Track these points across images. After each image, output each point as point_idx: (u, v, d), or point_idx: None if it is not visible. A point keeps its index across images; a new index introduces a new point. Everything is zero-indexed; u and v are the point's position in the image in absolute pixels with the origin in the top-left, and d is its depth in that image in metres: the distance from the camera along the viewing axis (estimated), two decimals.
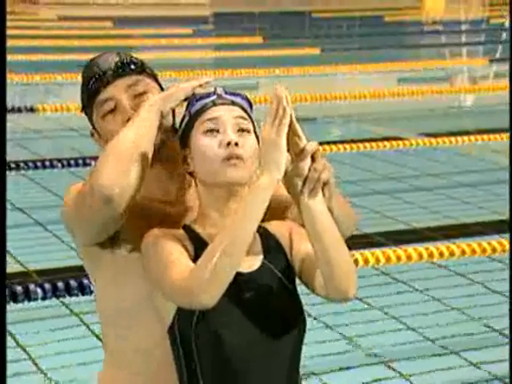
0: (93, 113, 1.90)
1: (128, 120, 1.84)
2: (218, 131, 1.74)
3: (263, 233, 1.80)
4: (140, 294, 1.82)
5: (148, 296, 1.78)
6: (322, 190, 1.71)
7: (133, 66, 1.90)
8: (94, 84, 1.88)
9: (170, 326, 1.73)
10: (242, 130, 1.76)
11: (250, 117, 1.80)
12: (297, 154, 1.69)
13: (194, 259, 1.68)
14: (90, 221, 1.76)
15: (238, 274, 1.68)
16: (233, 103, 1.78)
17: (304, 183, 1.69)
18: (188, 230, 1.77)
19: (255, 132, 1.80)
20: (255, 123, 1.82)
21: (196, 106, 1.78)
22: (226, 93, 1.79)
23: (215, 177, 1.73)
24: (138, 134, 1.77)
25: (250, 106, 1.82)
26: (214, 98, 1.77)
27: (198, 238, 1.75)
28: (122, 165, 1.73)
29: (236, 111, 1.77)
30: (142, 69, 1.92)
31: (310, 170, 1.69)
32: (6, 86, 2.48)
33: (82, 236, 1.84)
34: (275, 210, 1.84)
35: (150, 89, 1.91)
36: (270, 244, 1.79)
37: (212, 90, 1.80)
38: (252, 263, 1.76)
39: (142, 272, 1.77)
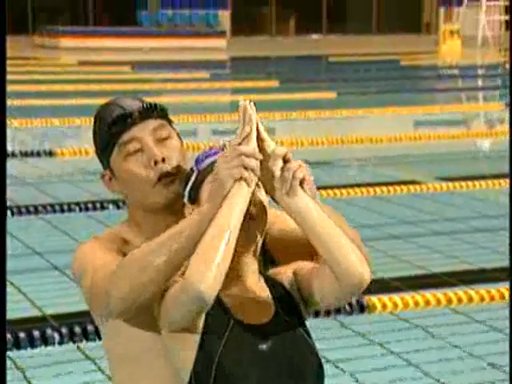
0: (112, 153, 1.91)
1: (155, 163, 1.85)
2: None
3: (271, 283, 1.80)
4: (145, 341, 1.83)
5: (154, 343, 1.79)
6: (302, 188, 1.70)
7: (158, 110, 1.92)
8: (118, 124, 1.89)
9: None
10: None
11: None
12: (266, 158, 1.71)
13: None
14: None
15: (253, 327, 1.68)
16: None
17: (281, 185, 1.70)
18: None
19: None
20: None
21: (205, 163, 1.79)
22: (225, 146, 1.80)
23: None
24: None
25: None
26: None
27: None
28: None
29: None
30: (165, 114, 1.94)
31: (283, 170, 1.69)
32: (5, 130, 2.52)
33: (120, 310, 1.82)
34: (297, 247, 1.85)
35: (173, 135, 1.94)
36: (279, 293, 1.79)
37: (221, 144, 1.81)
38: (265, 315, 1.76)
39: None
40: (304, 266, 1.80)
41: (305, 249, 1.84)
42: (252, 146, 1.67)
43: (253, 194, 1.73)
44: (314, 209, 1.69)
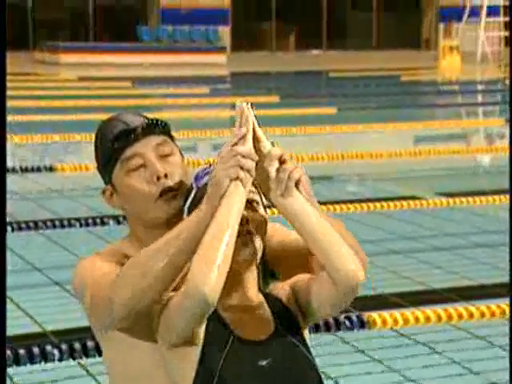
0: (114, 168, 1.91)
1: (158, 179, 1.86)
2: None
3: (270, 299, 1.80)
4: (148, 360, 1.82)
5: (154, 355, 1.79)
6: (298, 189, 1.70)
7: (161, 126, 1.93)
8: (121, 140, 1.89)
9: None
10: (249, 202, 1.77)
11: (256, 187, 1.81)
12: (262, 159, 1.71)
13: None
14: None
15: (252, 343, 1.68)
16: None
17: (276, 186, 1.71)
18: None
19: (262, 202, 1.82)
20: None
21: (204, 180, 1.80)
22: None
23: None
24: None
25: None
26: None
27: None
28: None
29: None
30: (168, 130, 1.95)
31: (278, 171, 1.69)
32: (5, 146, 2.53)
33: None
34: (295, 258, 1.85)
35: (175, 151, 1.95)
36: (278, 309, 1.79)
37: None
38: (265, 331, 1.76)
39: (150, 344, 1.78)
40: (301, 278, 1.80)
41: (305, 259, 1.85)
42: (248, 146, 1.68)
43: (252, 209, 1.73)
44: (310, 211, 1.70)
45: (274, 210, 1.80)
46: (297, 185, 1.70)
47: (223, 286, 1.73)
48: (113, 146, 1.90)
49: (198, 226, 1.70)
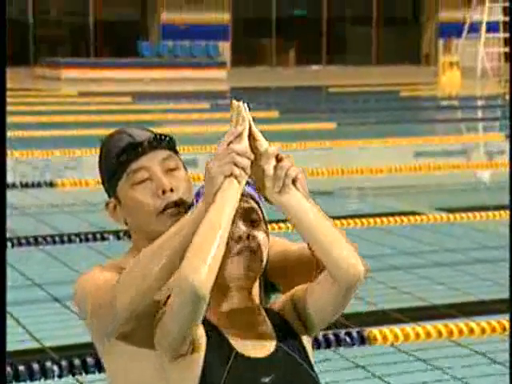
0: (119, 181, 1.93)
1: (163, 192, 1.87)
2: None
3: (270, 315, 1.80)
4: (149, 373, 1.83)
5: (159, 376, 1.79)
6: (295, 187, 1.71)
7: (167, 141, 1.95)
8: (128, 153, 1.91)
9: None
10: (252, 220, 1.78)
11: (258, 204, 1.81)
12: (258, 157, 1.72)
13: None
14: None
15: (254, 360, 1.67)
16: (242, 193, 1.79)
17: (273, 183, 1.71)
18: None
19: (265, 219, 1.82)
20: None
21: None
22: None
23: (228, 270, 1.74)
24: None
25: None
26: None
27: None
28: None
29: (245, 203, 1.79)
30: (174, 145, 1.97)
31: (276, 168, 1.70)
32: (6, 161, 2.54)
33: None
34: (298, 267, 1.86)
35: (180, 166, 1.96)
36: (278, 324, 1.79)
37: None
38: (266, 347, 1.76)
39: (151, 357, 1.78)
40: (299, 288, 1.81)
41: (306, 268, 1.85)
42: (244, 144, 1.69)
43: (254, 225, 1.73)
44: (307, 207, 1.70)
45: (275, 225, 1.80)
46: (294, 182, 1.71)
47: (224, 302, 1.73)
48: (119, 159, 1.92)
49: (193, 224, 1.72)
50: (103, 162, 1.96)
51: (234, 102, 1.73)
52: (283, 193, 1.70)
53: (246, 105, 1.72)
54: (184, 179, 1.95)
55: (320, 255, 1.68)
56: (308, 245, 1.77)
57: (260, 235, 1.76)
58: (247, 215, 1.76)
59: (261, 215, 1.79)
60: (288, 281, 1.87)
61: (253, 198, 1.79)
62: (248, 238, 1.73)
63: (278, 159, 1.72)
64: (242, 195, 1.75)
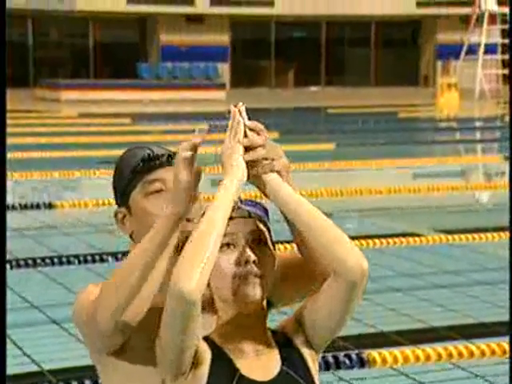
0: (133, 189, 1.96)
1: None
2: (234, 246, 1.76)
3: (275, 336, 1.79)
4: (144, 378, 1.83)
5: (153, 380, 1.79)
6: (280, 175, 1.77)
7: None
8: (147, 164, 1.97)
9: None
10: (258, 242, 1.77)
11: (266, 225, 1.81)
12: (253, 163, 1.79)
13: None
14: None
15: (259, 383, 1.67)
16: (249, 215, 1.79)
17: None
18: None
19: (272, 241, 1.81)
20: (271, 231, 1.83)
21: None
22: (241, 202, 1.81)
23: (230, 293, 1.72)
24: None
25: (266, 213, 1.84)
26: None
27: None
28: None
29: (252, 224, 1.78)
30: None
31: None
32: (5, 183, 2.55)
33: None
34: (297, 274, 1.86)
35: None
36: (283, 346, 1.78)
37: None
38: (271, 370, 1.75)
39: (149, 378, 1.77)
40: (302, 305, 1.81)
41: (303, 274, 1.86)
42: (238, 147, 1.79)
43: (260, 249, 1.73)
44: (302, 200, 1.75)
45: (281, 246, 1.81)
46: (279, 173, 1.76)
47: (229, 324, 1.73)
48: (136, 169, 1.97)
49: (158, 247, 1.76)
50: (119, 171, 2.00)
51: (232, 108, 1.77)
52: (268, 172, 1.77)
53: (243, 108, 1.76)
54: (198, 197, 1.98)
55: (323, 251, 1.68)
56: (299, 248, 1.78)
57: (266, 258, 1.76)
58: (254, 237, 1.76)
59: (268, 237, 1.79)
60: (288, 289, 1.88)
61: (260, 220, 1.79)
62: (254, 262, 1.73)
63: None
64: (250, 217, 1.76)
